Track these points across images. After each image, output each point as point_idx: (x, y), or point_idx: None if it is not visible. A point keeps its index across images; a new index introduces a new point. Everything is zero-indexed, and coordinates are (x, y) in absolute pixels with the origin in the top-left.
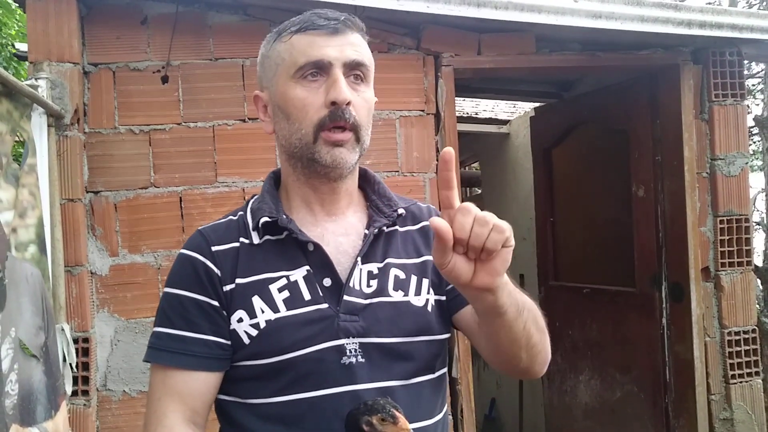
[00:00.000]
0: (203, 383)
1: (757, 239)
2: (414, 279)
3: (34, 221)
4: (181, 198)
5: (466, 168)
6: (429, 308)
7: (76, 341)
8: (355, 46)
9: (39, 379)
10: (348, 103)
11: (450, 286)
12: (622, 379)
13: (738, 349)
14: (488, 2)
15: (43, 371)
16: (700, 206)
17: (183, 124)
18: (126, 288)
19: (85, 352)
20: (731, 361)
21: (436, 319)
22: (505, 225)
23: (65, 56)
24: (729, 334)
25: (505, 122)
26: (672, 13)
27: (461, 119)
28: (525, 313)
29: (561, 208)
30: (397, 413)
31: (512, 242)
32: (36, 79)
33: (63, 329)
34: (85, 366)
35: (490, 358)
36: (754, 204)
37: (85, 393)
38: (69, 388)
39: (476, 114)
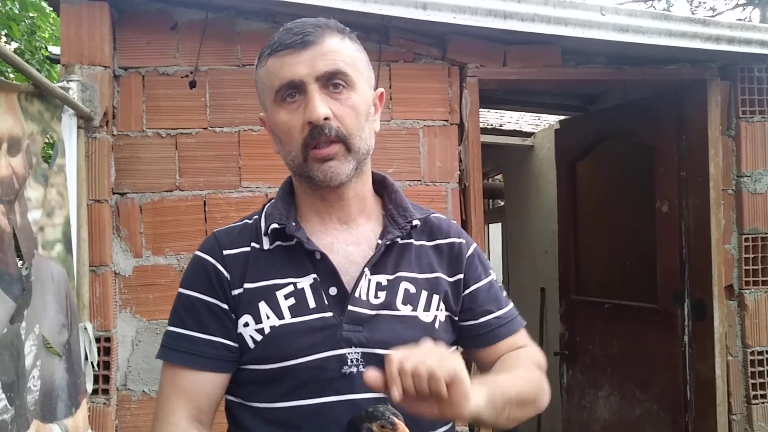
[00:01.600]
0: (209, 383)
1: None
2: (424, 294)
3: (61, 221)
4: (205, 202)
5: (489, 180)
6: (436, 325)
7: (98, 340)
8: (327, 55)
9: (61, 377)
10: (326, 119)
11: (470, 317)
12: (642, 396)
13: (761, 369)
14: (515, 14)
15: (65, 369)
16: (724, 223)
17: (209, 128)
18: (148, 289)
19: (107, 351)
20: (753, 381)
21: (443, 335)
22: (441, 372)
23: (96, 59)
24: (752, 353)
25: (529, 134)
26: (700, 28)
27: (485, 130)
28: (507, 409)
29: (584, 222)
30: (396, 420)
31: (460, 376)
32: (67, 81)
33: (86, 328)
34: (106, 365)
35: None
36: None
37: (106, 392)
38: (90, 387)
39: (500, 126)
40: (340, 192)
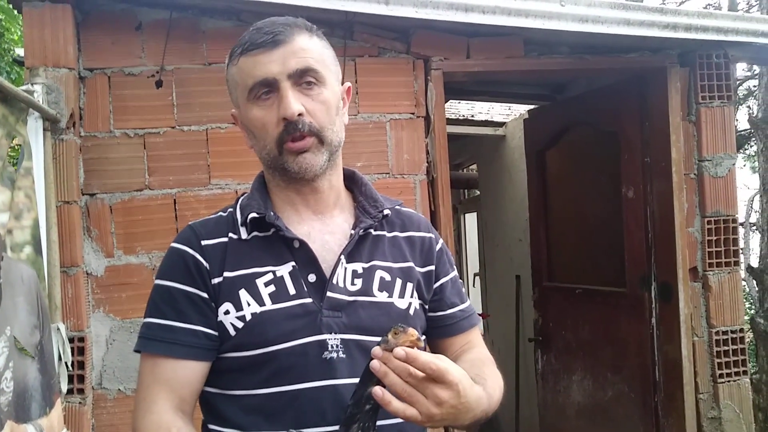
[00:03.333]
0: (191, 372)
1: (754, 240)
2: (399, 282)
3: (29, 223)
4: (175, 200)
5: (464, 170)
6: (411, 311)
7: (71, 340)
8: (299, 53)
9: (34, 377)
10: (300, 114)
11: (438, 308)
12: (614, 379)
13: (726, 348)
14: (476, 7)
15: (38, 369)
16: (687, 207)
17: (177, 127)
18: (121, 288)
19: (81, 351)
20: (719, 361)
21: (417, 322)
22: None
23: (61, 62)
24: (717, 333)
25: (501, 124)
26: (657, 17)
27: (457, 121)
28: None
29: (554, 210)
30: (408, 328)
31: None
32: (32, 84)
33: (59, 328)
34: (81, 365)
35: None
36: (751, 205)
37: (81, 391)
38: (64, 387)
39: (472, 116)
40: (315, 185)
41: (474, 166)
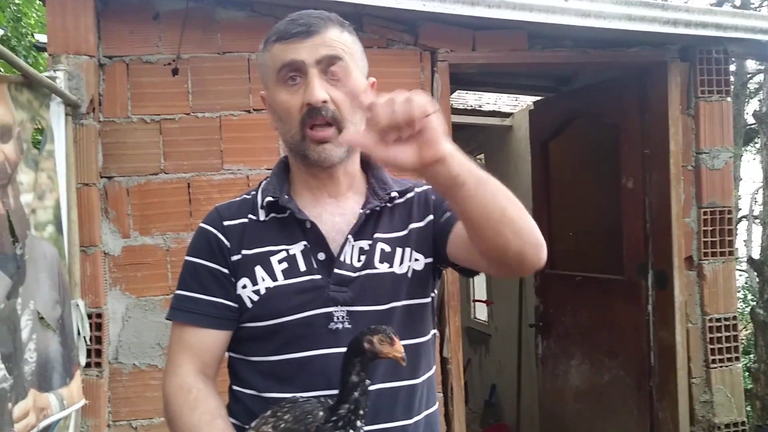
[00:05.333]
0: (212, 339)
1: (756, 232)
2: (399, 251)
3: (51, 203)
4: (189, 184)
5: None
6: (409, 274)
7: (90, 316)
8: (329, 42)
9: (55, 349)
10: (324, 102)
11: (439, 224)
12: (610, 364)
13: (719, 335)
14: (482, 1)
15: (59, 342)
16: (684, 198)
17: (192, 114)
18: (137, 268)
19: (98, 326)
20: (712, 347)
21: (417, 285)
22: (417, 96)
23: (82, 49)
24: (710, 320)
25: (508, 115)
26: (658, 12)
27: (465, 111)
28: (489, 183)
29: (557, 199)
30: (394, 337)
31: (430, 109)
32: (54, 70)
33: (78, 305)
34: (98, 340)
35: (482, 249)
36: (755, 198)
37: (98, 365)
38: (83, 360)
39: (479, 106)
40: (331, 171)
41: (481, 156)
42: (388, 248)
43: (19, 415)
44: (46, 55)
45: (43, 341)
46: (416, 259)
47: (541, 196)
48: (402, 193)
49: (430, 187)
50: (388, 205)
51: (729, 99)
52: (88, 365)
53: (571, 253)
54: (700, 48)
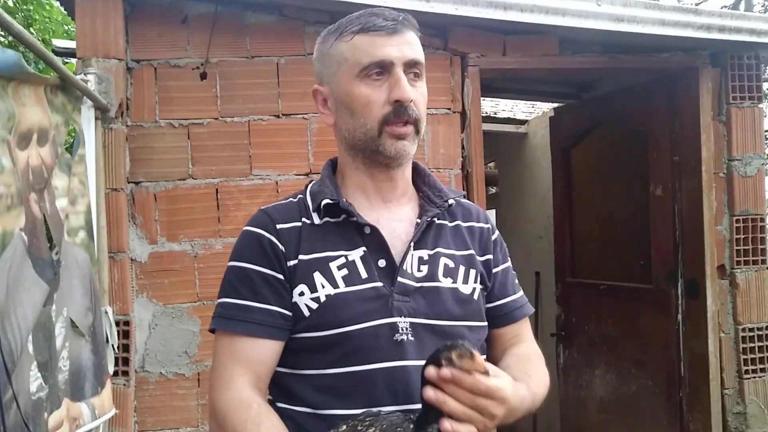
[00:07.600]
0: (267, 350)
1: None
2: (462, 268)
3: (83, 208)
4: (217, 189)
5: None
6: (475, 296)
7: (117, 324)
8: (412, 44)
9: (87, 357)
10: (411, 101)
11: (492, 298)
12: (638, 374)
13: (752, 345)
14: (514, 5)
15: (91, 350)
16: (716, 206)
17: (220, 118)
18: (164, 275)
19: (126, 334)
20: (745, 357)
21: (480, 307)
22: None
23: (111, 53)
24: (743, 330)
25: (523, 122)
26: (692, 17)
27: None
28: (534, 401)
29: (579, 207)
30: (475, 352)
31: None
32: (85, 73)
33: (107, 312)
34: (125, 348)
35: None
36: None
37: (125, 373)
38: (111, 368)
39: (495, 114)
40: (392, 172)
41: (491, 164)
42: (451, 263)
43: (53, 426)
44: (75, 60)
45: (76, 349)
46: (477, 283)
47: (563, 203)
48: (464, 215)
49: (491, 226)
50: (448, 223)
51: (761, 105)
52: (115, 374)
53: (595, 262)
54: (731, 53)
